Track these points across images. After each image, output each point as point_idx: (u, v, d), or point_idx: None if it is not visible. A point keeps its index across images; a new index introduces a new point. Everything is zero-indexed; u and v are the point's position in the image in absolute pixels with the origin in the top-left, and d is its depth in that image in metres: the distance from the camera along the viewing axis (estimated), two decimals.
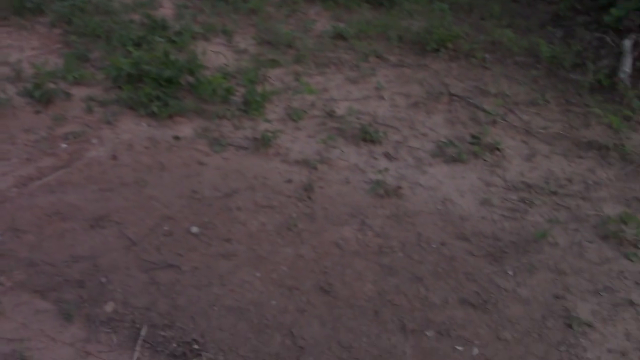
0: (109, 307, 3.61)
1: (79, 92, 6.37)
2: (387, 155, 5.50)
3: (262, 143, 5.50)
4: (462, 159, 5.43)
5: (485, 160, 5.48)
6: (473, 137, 5.74)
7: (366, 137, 5.67)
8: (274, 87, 6.67)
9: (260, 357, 3.33)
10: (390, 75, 6.96)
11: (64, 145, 5.34)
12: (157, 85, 6.15)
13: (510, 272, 4.10)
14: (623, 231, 4.48)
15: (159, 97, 6.02)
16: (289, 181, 5.01)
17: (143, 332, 3.44)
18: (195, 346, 3.37)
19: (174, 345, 3.38)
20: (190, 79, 6.51)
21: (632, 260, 4.26)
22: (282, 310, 3.68)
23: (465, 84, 6.80)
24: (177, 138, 5.58)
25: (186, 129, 5.79)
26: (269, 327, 3.56)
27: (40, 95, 5.97)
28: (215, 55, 7.10)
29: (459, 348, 3.47)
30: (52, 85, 6.21)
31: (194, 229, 4.33)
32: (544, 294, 3.93)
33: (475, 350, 3.47)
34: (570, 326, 3.66)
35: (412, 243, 4.34)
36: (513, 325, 3.67)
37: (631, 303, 3.87)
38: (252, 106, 6.10)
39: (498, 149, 5.59)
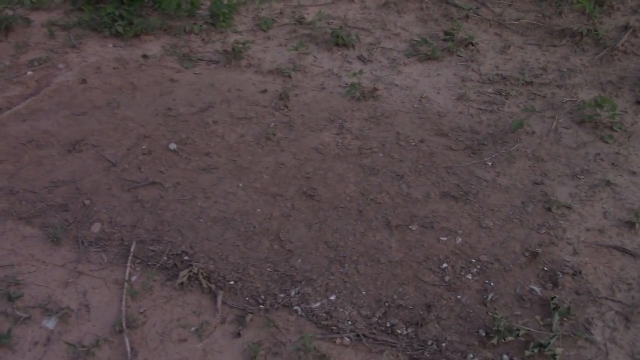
0: (95, 228, 3.63)
1: (38, 17, 6.17)
2: (361, 58, 5.43)
3: (233, 55, 5.39)
4: (436, 56, 5.39)
5: (459, 55, 5.44)
6: (446, 33, 5.67)
7: (338, 41, 5.58)
8: None
9: (250, 262, 3.39)
10: None
11: (30, 73, 5.20)
12: (119, 4, 5.95)
13: (490, 163, 4.16)
14: (598, 115, 4.52)
15: (122, 16, 5.84)
16: (264, 91, 4.95)
17: (132, 249, 3.47)
18: (186, 257, 3.42)
19: (165, 258, 3.42)
20: None
21: (607, 142, 4.32)
22: (268, 217, 3.72)
23: None
24: (145, 57, 5.45)
25: (154, 46, 5.65)
26: (256, 234, 3.61)
27: None
28: None
29: (443, 238, 3.56)
30: (9, 12, 5.97)
31: (173, 146, 4.30)
32: (523, 181, 4.00)
33: (459, 239, 3.56)
34: (549, 209, 3.75)
35: (391, 142, 4.36)
36: (494, 213, 3.75)
37: (608, 183, 3.95)
38: (219, 18, 5.94)
39: (472, 44, 5.54)
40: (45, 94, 4.89)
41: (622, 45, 5.43)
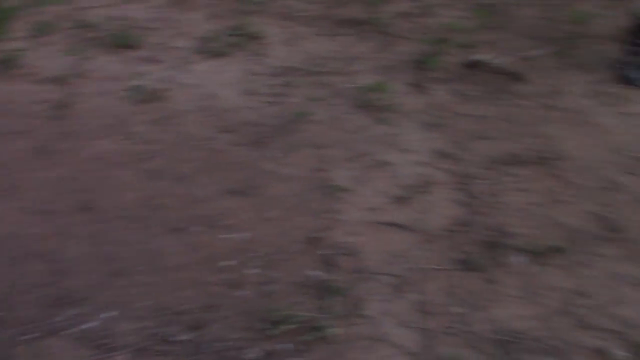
0: None
1: None
2: (147, 59, 5.28)
3: (8, 65, 5.01)
4: (225, 53, 5.37)
5: (248, 50, 5.47)
6: (235, 29, 5.67)
7: (124, 43, 5.38)
8: (17, 1, 6.03)
9: (17, 290, 3.17)
10: None
11: None
12: None
13: (274, 155, 4.22)
14: (377, 98, 4.76)
15: None
16: (41, 102, 4.65)
17: None
18: None
19: None
20: None
21: (383, 124, 4.56)
22: (43, 238, 3.50)
23: None
24: None
25: None
26: (29, 256, 3.38)
27: None
28: None
29: (226, 236, 3.56)
30: None
31: None
32: (305, 169, 4.10)
33: (243, 234, 3.57)
34: (329, 194, 3.88)
35: (177, 144, 4.28)
36: (278, 204, 3.82)
37: (385, 163, 4.17)
38: None
39: (260, 38, 5.58)
40: None
41: (400, 31, 5.75)
